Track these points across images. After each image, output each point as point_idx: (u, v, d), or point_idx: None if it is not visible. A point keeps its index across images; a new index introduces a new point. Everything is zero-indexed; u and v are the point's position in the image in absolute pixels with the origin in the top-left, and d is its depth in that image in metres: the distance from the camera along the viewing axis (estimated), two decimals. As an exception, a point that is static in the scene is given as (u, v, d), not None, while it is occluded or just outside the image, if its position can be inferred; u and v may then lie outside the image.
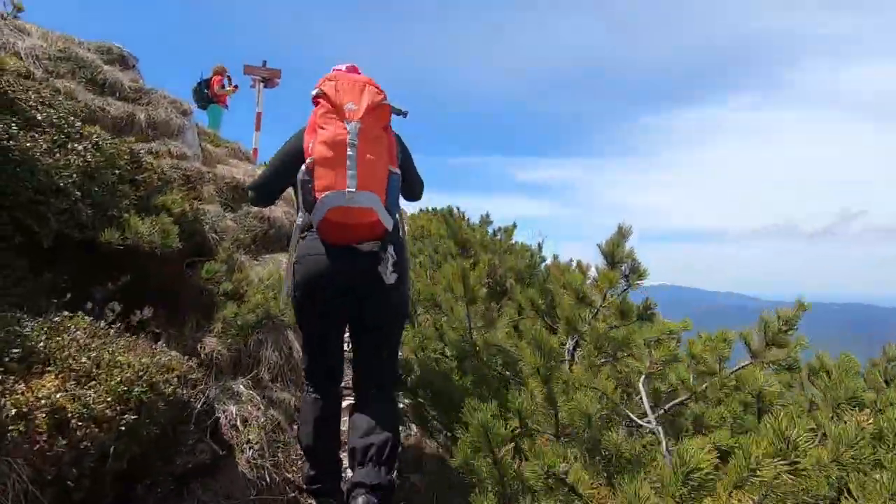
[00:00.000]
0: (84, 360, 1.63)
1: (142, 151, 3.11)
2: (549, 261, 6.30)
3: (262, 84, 12.63)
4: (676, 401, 2.75)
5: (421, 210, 17.96)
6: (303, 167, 1.85)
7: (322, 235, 1.92)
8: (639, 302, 3.06)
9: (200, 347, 2.76)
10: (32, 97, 3.17)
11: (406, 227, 2.76)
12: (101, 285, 2.48)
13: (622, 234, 2.60)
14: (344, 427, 2.37)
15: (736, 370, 2.78)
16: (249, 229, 4.65)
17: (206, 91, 10.28)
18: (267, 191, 2.26)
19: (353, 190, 1.73)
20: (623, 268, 2.64)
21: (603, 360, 2.66)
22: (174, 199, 3.04)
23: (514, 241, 7.23)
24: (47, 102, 2.76)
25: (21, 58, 4.67)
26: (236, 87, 10.73)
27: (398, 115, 2.02)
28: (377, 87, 1.90)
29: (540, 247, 5.65)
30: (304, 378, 2.22)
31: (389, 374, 2.21)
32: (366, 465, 1.81)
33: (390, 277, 1.88)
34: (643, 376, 2.23)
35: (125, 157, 2.86)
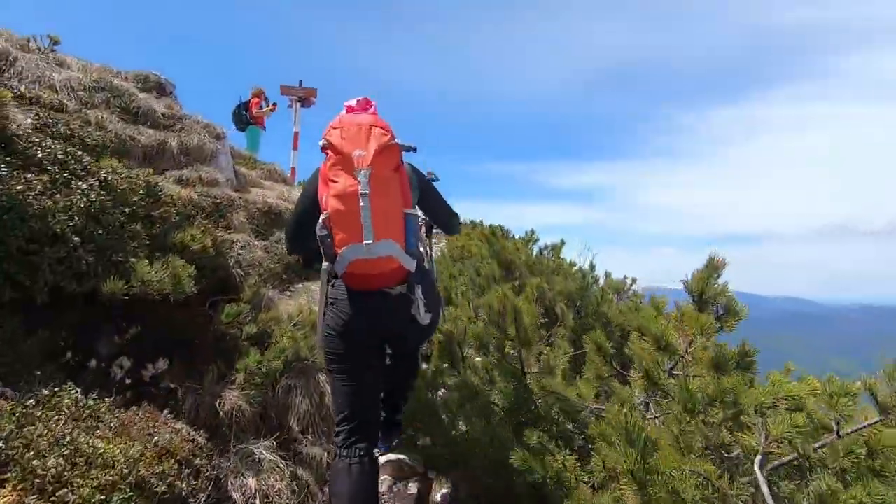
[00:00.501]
0: (55, 460, 1.29)
1: (159, 183, 2.86)
2: (601, 280, 5.76)
3: (298, 103, 12.67)
4: (778, 462, 2.20)
5: (459, 223, 17.66)
6: (320, 221, 1.76)
7: (348, 284, 1.88)
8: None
9: (220, 404, 2.44)
10: (60, 129, 2.99)
11: (439, 249, 2.64)
12: (107, 338, 2.20)
13: (713, 267, 2.10)
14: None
15: (859, 429, 2.21)
16: (281, 258, 4.38)
17: (244, 113, 10.33)
18: (298, 242, 2.15)
19: (371, 241, 1.68)
20: (715, 308, 2.14)
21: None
22: (194, 235, 2.76)
23: (562, 258, 6.73)
24: (59, 135, 2.53)
25: (56, 90, 4.62)
26: (275, 104, 10.71)
27: (407, 151, 1.96)
28: (383, 127, 1.80)
29: (592, 267, 5.12)
30: (336, 433, 1.97)
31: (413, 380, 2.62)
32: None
33: (424, 318, 1.87)
34: (758, 458, 1.73)
35: (140, 191, 2.60)
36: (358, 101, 1.95)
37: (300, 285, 4.38)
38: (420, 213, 2.07)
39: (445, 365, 3.17)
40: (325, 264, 1.88)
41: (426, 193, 2.08)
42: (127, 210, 2.40)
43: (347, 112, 1.93)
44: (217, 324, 2.69)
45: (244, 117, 10.33)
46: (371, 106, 1.96)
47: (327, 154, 1.77)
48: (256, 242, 4.18)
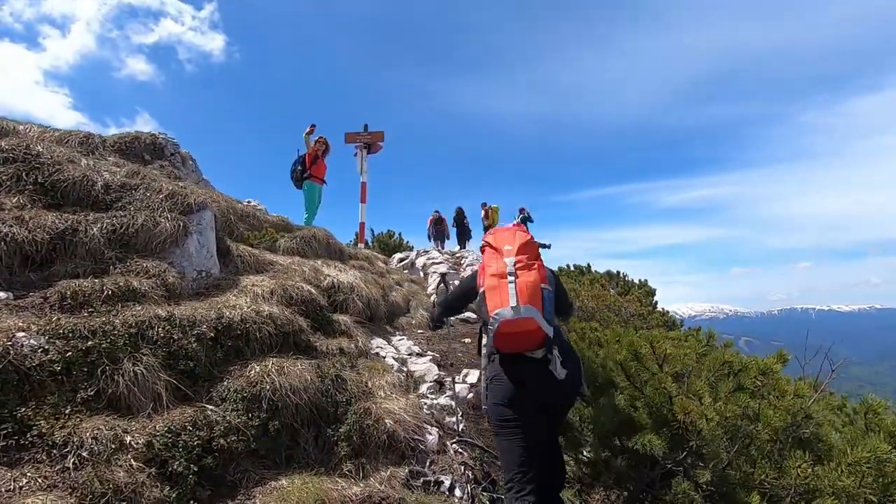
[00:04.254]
0: None
1: None
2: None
3: (365, 150, 11.08)
4: None
5: (559, 267, 14.58)
6: (479, 294, 2.22)
7: (499, 346, 2.20)
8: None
9: None
10: None
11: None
12: None
13: None
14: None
15: None
16: (213, 439, 2.18)
17: (299, 168, 8.80)
18: (447, 313, 2.75)
19: (515, 304, 2.07)
20: None
21: None
22: None
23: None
24: None
25: (-80, 170, 3.10)
26: (313, 126, 8.42)
27: (543, 248, 2.41)
28: (524, 231, 2.38)
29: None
30: (507, 487, 2.21)
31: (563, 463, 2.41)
32: None
33: (560, 373, 2.15)
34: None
35: None
36: (514, 224, 2.54)
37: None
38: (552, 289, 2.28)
39: None
40: (485, 346, 2.49)
41: (556, 289, 2.38)
42: None
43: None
44: None
45: (298, 172, 8.80)
46: (521, 228, 2.46)
47: (484, 250, 2.34)
48: (127, 437, 2.00)
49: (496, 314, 2.08)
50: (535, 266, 2.21)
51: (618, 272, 11.69)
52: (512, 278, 2.12)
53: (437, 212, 16.42)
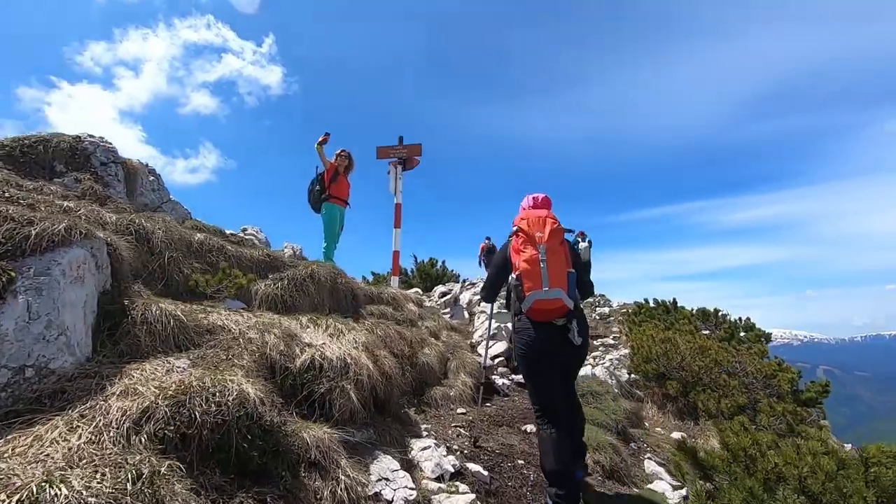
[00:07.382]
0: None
1: None
2: None
3: (399, 167, 9.29)
4: None
5: (637, 303, 12.01)
6: (513, 277, 2.82)
7: (531, 315, 2.78)
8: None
9: None
10: None
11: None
12: None
13: None
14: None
15: None
16: None
17: (317, 188, 7.10)
18: (494, 291, 3.20)
19: (548, 288, 2.65)
20: None
21: None
22: None
23: None
24: None
25: None
26: (327, 135, 6.60)
27: (568, 232, 2.87)
28: (554, 218, 2.84)
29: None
30: (536, 416, 2.88)
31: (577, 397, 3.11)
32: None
33: (577, 340, 2.76)
34: None
35: None
36: (542, 197, 3.12)
37: None
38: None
39: None
40: (513, 307, 2.91)
41: (577, 267, 2.87)
42: None
43: (533, 204, 3.11)
44: None
45: (316, 193, 7.08)
46: (549, 203, 3.11)
47: (517, 235, 2.81)
48: None
49: (531, 294, 2.68)
50: (562, 252, 2.77)
51: (715, 310, 9.09)
52: (544, 265, 2.68)
53: (488, 238, 15.45)
